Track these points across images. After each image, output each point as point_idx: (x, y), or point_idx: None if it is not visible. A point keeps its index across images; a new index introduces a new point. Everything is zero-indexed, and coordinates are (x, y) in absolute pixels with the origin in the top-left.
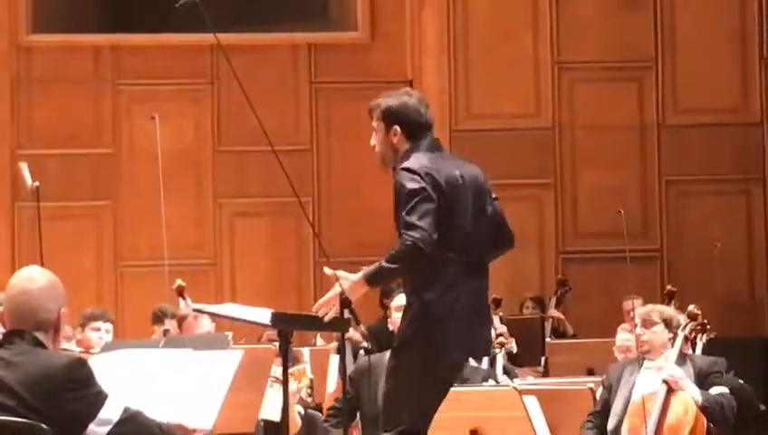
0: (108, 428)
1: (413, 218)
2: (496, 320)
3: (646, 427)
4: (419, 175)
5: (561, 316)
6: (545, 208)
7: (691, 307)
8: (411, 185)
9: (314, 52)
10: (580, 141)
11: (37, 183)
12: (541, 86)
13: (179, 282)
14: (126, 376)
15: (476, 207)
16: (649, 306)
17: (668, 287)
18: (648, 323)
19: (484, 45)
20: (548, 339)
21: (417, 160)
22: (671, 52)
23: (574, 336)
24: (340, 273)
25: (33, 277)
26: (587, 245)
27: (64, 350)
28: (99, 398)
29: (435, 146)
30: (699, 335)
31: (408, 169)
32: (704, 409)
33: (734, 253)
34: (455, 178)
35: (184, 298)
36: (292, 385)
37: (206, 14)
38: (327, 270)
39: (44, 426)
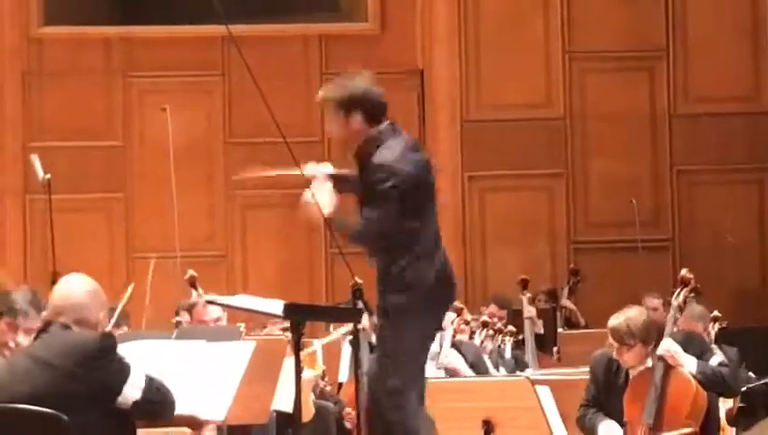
0: (141, 388)
1: (374, 214)
2: (525, 301)
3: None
4: (396, 173)
5: (573, 307)
6: (556, 198)
7: (684, 272)
8: (387, 184)
9: (325, 43)
10: (591, 131)
11: (48, 175)
12: (552, 76)
13: (191, 272)
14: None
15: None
16: (622, 321)
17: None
18: (625, 347)
19: (494, 35)
20: (560, 329)
21: (392, 153)
22: (682, 41)
23: (586, 327)
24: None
25: (74, 286)
26: (598, 235)
27: None
28: (126, 365)
29: (397, 130)
30: (716, 320)
31: (388, 165)
32: (701, 382)
33: (745, 242)
34: (425, 164)
35: (196, 289)
36: (307, 373)
37: (218, 5)
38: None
39: (65, 417)
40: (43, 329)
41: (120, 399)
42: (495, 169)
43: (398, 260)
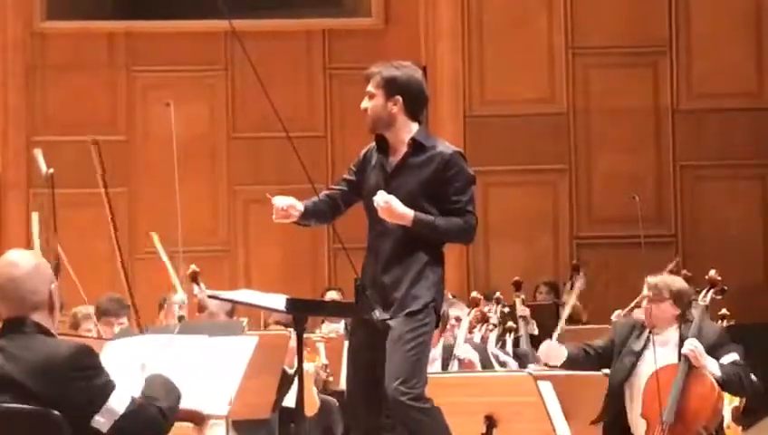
0: (113, 420)
1: (471, 207)
2: (518, 302)
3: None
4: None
5: (578, 304)
6: (560, 194)
7: (712, 272)
8: (471, 172)
9: (328, 38)
10: (594, 126)
11: (52, 170)
12: (555, 71)
13: (193, 267)
14: (141, 362)
15: None
16: (660, 278)
17: (684, 272)
18: (656, 299)
19: (498, 31)
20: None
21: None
22: (686, 36)
23: (587, 323)
24: (392, 198)
25: (15, 263)
26: (601, 230)
27: (82, 336)
28: (106, 388)
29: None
30: (725, 318)
31: (462, 155)
32: (723, 383)
33: (749, 238)
34: None
35: (198, 284)
36: (308, 365)
37: (221, 1)
38: (381, 194)
39: (57, 412)
40: (7, 329)
41: (92, 423)
42: (499, 164)
43: (439, 254)
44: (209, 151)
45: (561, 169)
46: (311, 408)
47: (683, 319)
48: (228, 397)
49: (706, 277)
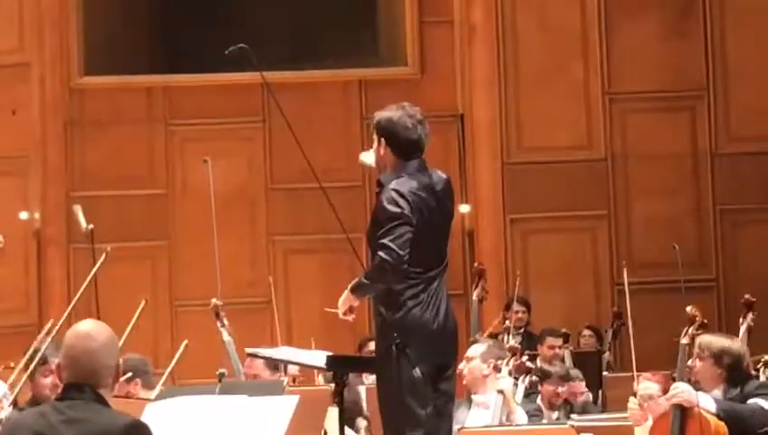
0: None
1: (386, 240)
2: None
3: None
4: (405, 198)
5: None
6: (599, 240)
7: (689, 309)
8: (392, 209)
9: (365, 88)
10: (632, 172)
11: (92, 226)
12: (592, 117)
13: (214, 301)
14: (182, 424)
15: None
16: (704, 336)
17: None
18: (698, 357)
19: (534, 78)
20: (605, 373)
21: (407, 183)
22: (722, 79)
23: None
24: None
25: (93, 335)
26: (642, 276)
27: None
28: None
29: (422, 167)
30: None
31: (395, 191)
32: (723, 418)
33: None
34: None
35: (220, 318)
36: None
37: (254, 59)
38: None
39: None
40: (66, 394)
41: None
42: (538, 211)
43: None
44: (248, 203)
45: (601, 215)
46: None
47: (730, 380)
48: None
49: (687, 314)
